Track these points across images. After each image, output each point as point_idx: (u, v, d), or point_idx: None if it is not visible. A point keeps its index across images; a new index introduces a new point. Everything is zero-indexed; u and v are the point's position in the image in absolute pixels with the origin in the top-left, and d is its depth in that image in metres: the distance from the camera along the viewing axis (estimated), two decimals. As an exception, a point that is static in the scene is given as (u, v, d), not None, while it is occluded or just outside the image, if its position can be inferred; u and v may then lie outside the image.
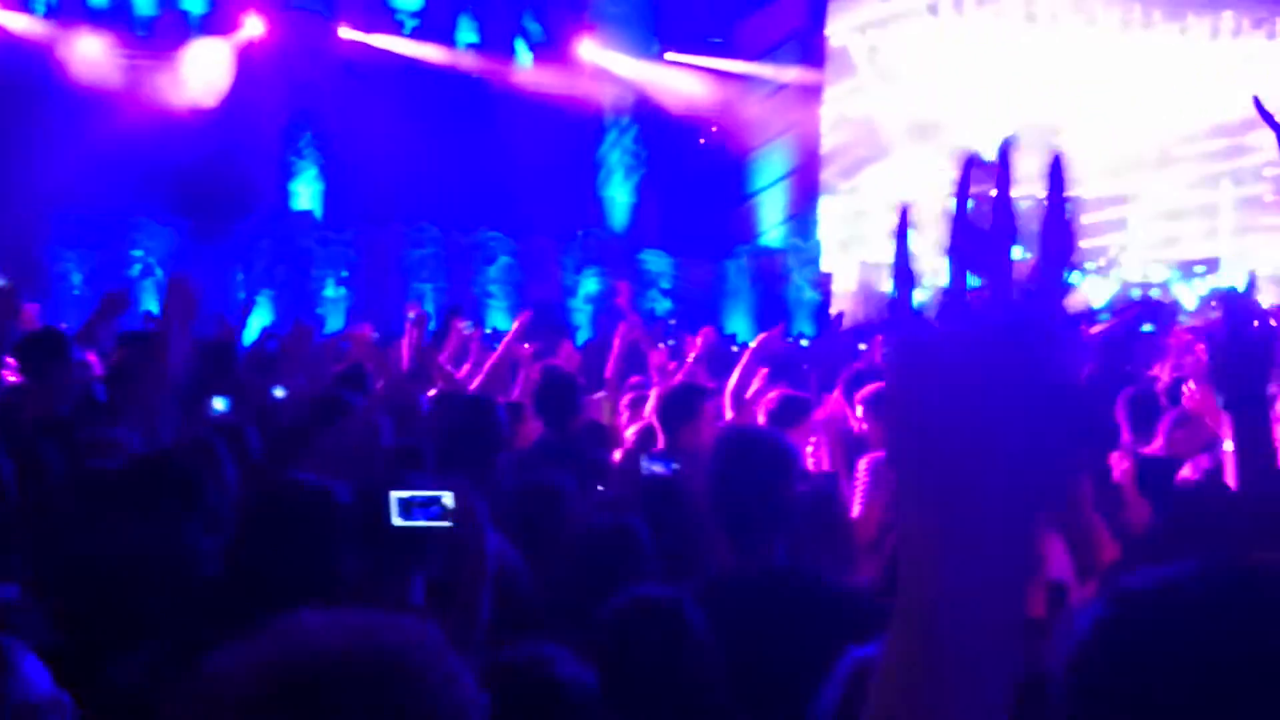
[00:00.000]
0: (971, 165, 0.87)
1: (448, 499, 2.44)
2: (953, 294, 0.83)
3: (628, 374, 6.22)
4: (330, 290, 14.45)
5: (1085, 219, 22.18)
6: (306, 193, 14.72)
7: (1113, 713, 1.05)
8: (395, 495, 2.43)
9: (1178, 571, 1.11)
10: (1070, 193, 0.86)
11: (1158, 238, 21.82)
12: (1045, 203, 0.87)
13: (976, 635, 0.77)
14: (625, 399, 5.70)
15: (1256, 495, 2.73)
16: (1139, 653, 1.04)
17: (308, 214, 14.67)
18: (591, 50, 15.14)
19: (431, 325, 7.15)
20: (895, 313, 0.86)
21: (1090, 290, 18.81)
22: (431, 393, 5.10)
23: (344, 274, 14.59)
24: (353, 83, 13.91)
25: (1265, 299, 18.70)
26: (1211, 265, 20.14)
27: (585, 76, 15.00)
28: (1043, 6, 16.68)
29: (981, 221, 0.86)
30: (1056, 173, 0.89)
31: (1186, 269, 20.25)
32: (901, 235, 0.90)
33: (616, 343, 6.21)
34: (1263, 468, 2.40)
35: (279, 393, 5.02)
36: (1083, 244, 21.63)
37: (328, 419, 3.89)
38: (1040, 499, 0.78)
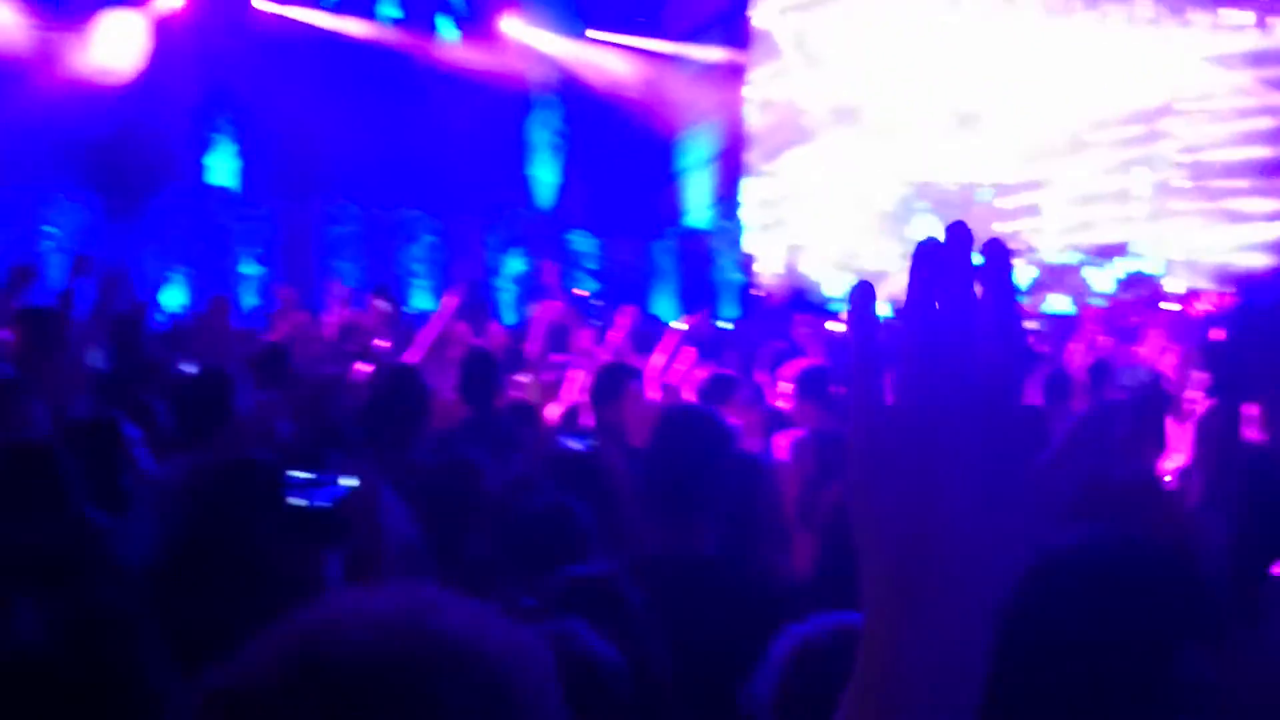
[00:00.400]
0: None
1: (346, 480, 2.40)
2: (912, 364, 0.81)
3: (551, 353, 6.22)
4: (247, 267, 14.18)
5: (1001, 203, 22.64)
6: (223, 168, 14.41)
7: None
8: (292, 474, 2.39)
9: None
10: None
11: (1072, 223, 22.29)
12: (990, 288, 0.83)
13: (934, 712, 0.78)
14: (544, 378, 5.70)
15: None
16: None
17: (224, 190, 14.36)
18: (516, 26, 15.02)
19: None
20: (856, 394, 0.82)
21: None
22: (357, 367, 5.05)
23: (261, 251, 14.32)
24: (271, 56, 13.63)
25: (1178, 284, 19.26)
26: (1122, 250, 20.65)
27: (510, 53, 14.87)
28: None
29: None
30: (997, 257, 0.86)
31: (1100, 254, 20.73)
32: (864, 313, 0.85)
33: (538, 321, 6.21)
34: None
35: (188, 368, 4.92)
36: (998, 228, 22.07)
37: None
38: (1001, 583, 0.79)
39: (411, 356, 5.31)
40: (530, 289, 14.70)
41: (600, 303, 13.95)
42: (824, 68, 19.60)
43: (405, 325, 7.83)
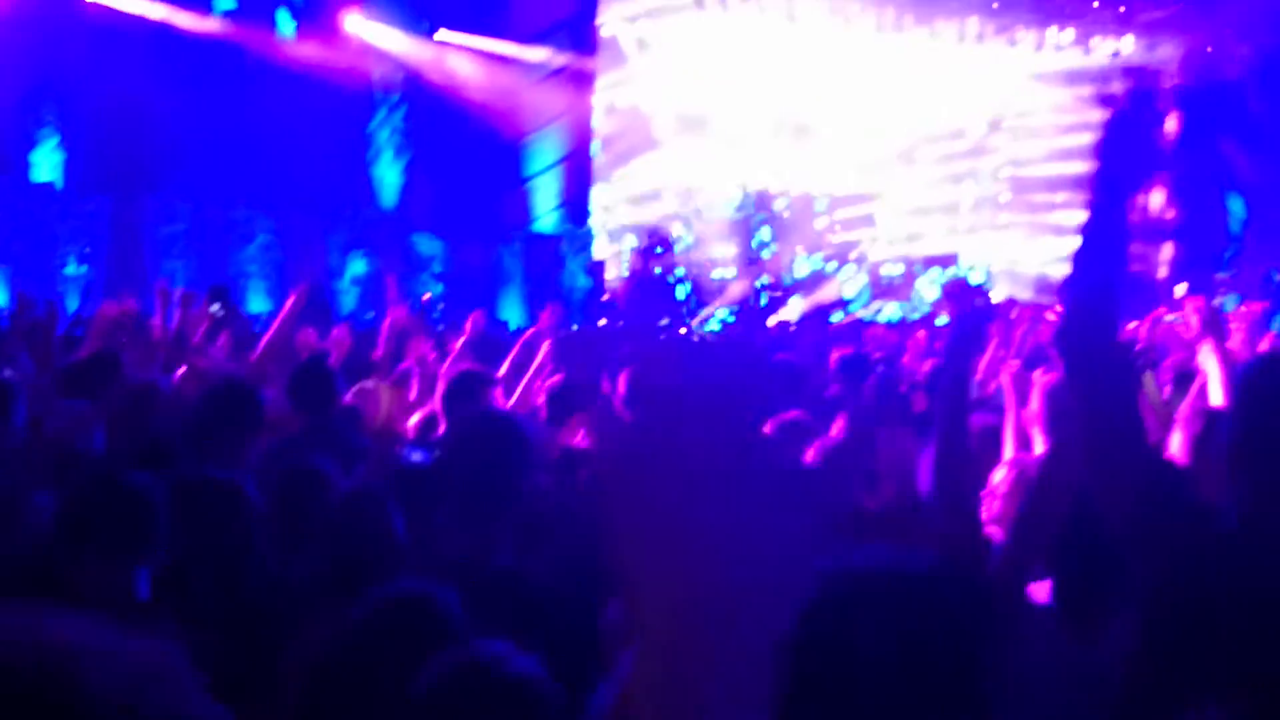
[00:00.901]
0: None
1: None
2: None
3: (396, 361, 6.14)
4: (71, 268, 13.51)
5: (839, 215, 23.30)
6: (47, 163, 13.69)
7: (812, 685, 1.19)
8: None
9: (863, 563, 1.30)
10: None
11: (903, 233, 23.13)
12: None
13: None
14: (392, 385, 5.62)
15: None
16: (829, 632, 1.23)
17: (48, 186, 13.64)
18: (358, 23, 14.73)
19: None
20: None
21: (845, 284, 19.75)
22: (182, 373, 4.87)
23: (86, 250, 13.66)
24: (99, 48, 13.02)
25: (999, 292, 20.16)
26: (951, 260, 21.49)
27: (351, 50, 14.58)
28: (803, 6, 17.36)
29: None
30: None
31: (930, 264, 21.51)
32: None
33: (384, 331, 6.14)
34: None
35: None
36: (834, 239, 22.73)
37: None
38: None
39: (246, 362, 5.16)
40: (371, 292, 14.44)
41: (443, 305, 13.81)
42: (669, 76, 19.85)
43: (240, 329, 7.61)
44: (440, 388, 4.74)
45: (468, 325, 6.73)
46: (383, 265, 14.59)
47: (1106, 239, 2.02)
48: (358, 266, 15.04)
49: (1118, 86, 1.95)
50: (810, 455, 3.53)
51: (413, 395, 5.28)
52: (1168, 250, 19.82)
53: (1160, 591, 1.79)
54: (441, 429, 4.41)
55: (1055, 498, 2.28)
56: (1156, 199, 20.48)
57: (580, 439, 4.62)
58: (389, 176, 15.51)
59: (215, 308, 6.61)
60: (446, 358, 6.06)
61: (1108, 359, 1.96)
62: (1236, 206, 19.65)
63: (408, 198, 15.55)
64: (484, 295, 15.16)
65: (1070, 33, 18.63)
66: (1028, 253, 22.03)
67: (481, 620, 2.14)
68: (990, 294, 19.28)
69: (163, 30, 13.76)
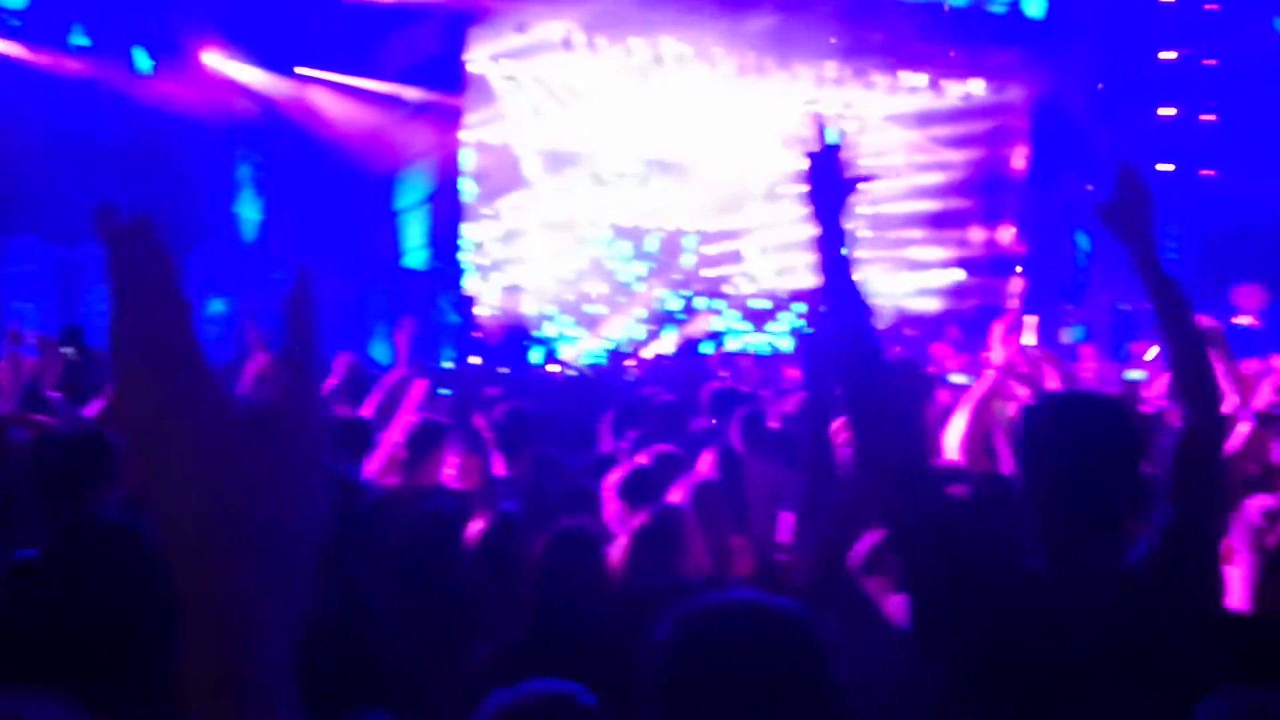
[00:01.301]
0: None
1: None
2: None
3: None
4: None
5: (707, 250, 23.69)
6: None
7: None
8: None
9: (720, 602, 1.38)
10: None
11: (770, 269, 23.65)
12: None
13: None
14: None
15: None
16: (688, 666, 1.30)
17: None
18: (217, 60, 14.44)
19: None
20: None
21: (714, 318, 20.04)
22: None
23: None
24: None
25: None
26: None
27: (210, 87, 14.27)
28: (669, 49, 17.68)
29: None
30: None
31: (796, 298, 22.02)
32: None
33: (248, 371, 5.95)
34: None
35: None
36: (705, 273, 23.12)
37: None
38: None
39: (94, 408, 4.98)
40: (232, 331, 14.09)
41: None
42: (538, 114, 19.96)
43: (93, 372, 7.35)
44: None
45: (338, 366, 6.63)
46: (242, 304, 14.28)
47: (833, 268, 2.15)
48: (217, 305, 14.67)
49: (806, 133, 2.08)
50: (678, 494, 3.57)
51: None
52: (1016, 283, 20.70)
53: (957, 621, 1.86)
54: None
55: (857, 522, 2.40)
56: (1005, 234, 21.41)
57: (442, 477, 4.58)
58: (250, 213, 15.21)
59: (69, 351, 6.38)
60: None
61: (872, 383, 2.05)
62: (1083, 241, 20.65)
63: (270, 234, 15.26)
64: (352, 332, 14.95)
65: (923, 76, 19.37)
66: (887, 286, 22.71)
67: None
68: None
69: (15, 66, 13.28)
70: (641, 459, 4.27)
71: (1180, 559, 1.89)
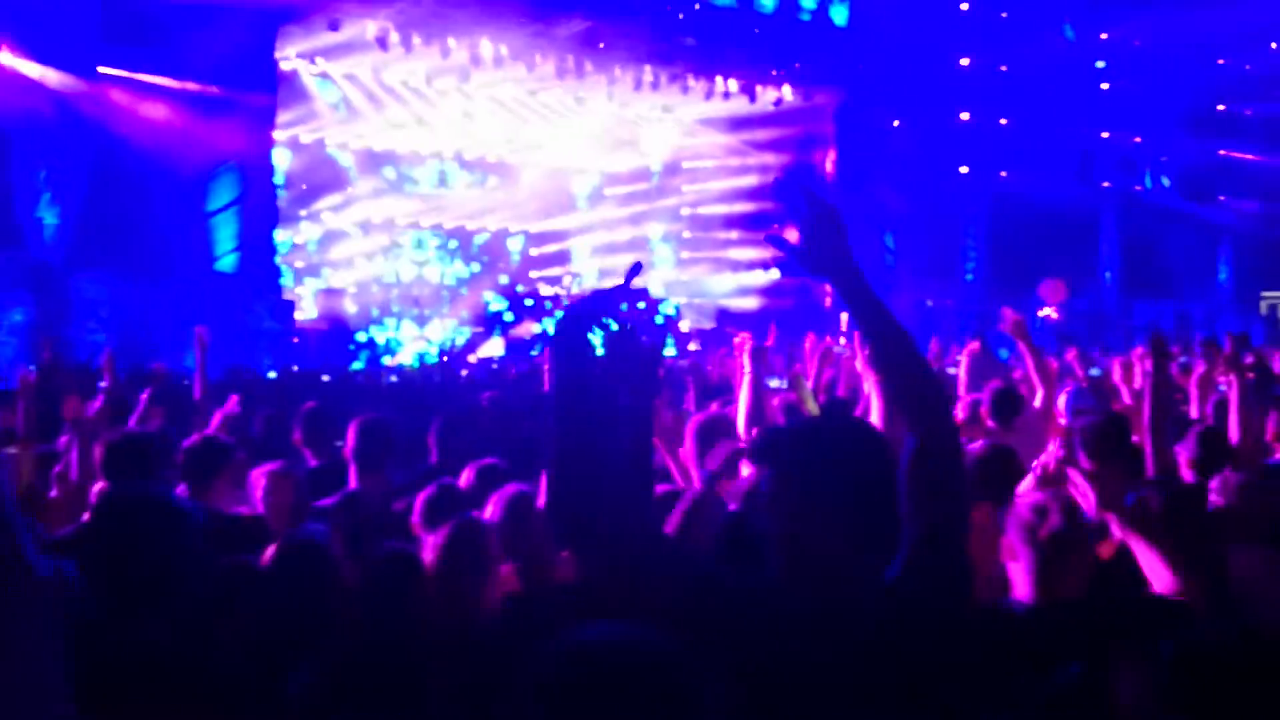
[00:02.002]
0: None
1: None
2: None
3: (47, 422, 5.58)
4: None
5: (534, 251, 23.72)
6: None
7: None
8: None
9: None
10: None
11: (598, 269, 23.86)
12: None
13: None
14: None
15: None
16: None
17: None
18: (8, 59, 13.65)
19: None
20: None
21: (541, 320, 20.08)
22: None
23: None
24: None
25: (686, 323, 21.14)
26: (641, 295, 22.31)
27: (4, 86, 13.47)
28: (486, 50, 17.62)
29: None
30: None
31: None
32: None
33: (20, 388, 5.53)
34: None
35: None
36: (533, 274, 23.15)
37: None
38: None
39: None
40: (30, 342, 13.35)
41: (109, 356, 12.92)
42: (355, 115, 19.58)
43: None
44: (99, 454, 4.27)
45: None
46: (38, 312, 13.57)
47: (872, 314, 2.08)
48: (16, 315, 13.86)
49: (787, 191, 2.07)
50: (491, 509, 3.48)
51: (72, 460, 4.77)
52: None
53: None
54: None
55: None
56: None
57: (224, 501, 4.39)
58: (48, 217, 14.42)
59: None
60: (127, 413, 5.70)
61: (942, 410, 2.05)
62: (889, 241, 21.57)
63: (70, 238, 14.49)
64: (157, 340, 14.37)
65: (734, 82, 19.85)
66: (709, 286, 23.25)
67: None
68: (674, 324, 20.21)
69: None
70: (466, 474, 4.21)
71: (930, 570, 1.93)
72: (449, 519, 3.15)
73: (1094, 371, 9.61)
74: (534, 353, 18.23)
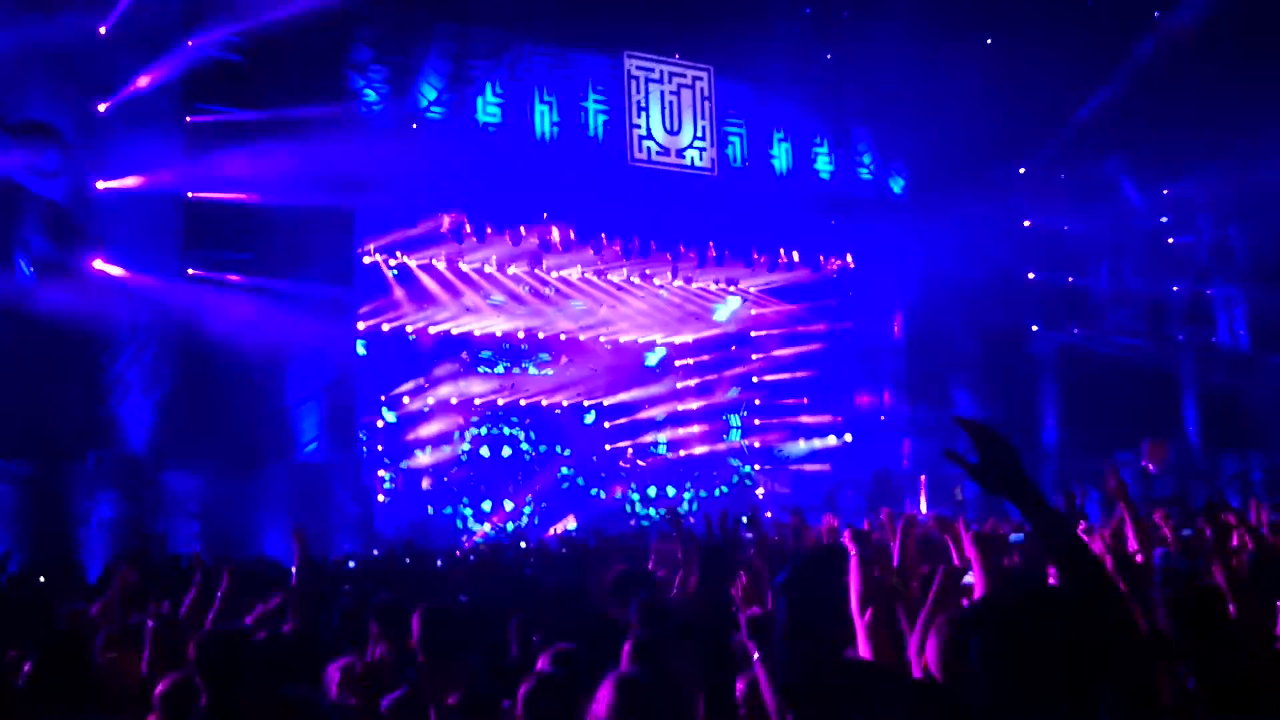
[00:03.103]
0: None
1: None
2: None
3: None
4: None
5: (607, 424, 23.94)
6: None
7: None
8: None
9: None
10: None
11: (667, 439, 24.06)
12: None
13: None
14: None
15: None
16: None
17: None
18: (104, 266, 14.45)
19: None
20: None
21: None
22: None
23: None
24: None
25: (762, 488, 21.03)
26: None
27: (96, 292, 14.21)
28: (556, 234, 18.39)
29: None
30: None
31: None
32: None
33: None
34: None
35: None
36: (608, 447, 23.34)
37: None
38: None
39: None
40: (121, 537, 13.71)
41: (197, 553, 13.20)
42: (431, 304, 20.27)
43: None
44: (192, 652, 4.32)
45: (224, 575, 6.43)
46: (130, 508, 13.97)
47: (1055, 532, 2.27)
48: (106, 511, 14.26)
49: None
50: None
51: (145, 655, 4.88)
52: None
53: None
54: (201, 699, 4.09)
55: None
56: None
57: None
58: (138, 416, 14.96)
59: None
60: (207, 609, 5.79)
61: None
62: (965, 401, 21.40)
63: (159, 435, 14.99)
64: (246, 529, 14.65)
65: (797, 253, 20.30)
66: (783, 451, 23.25)
67: None
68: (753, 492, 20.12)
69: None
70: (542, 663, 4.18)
71: None
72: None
73: (1185, 532, 9.35)
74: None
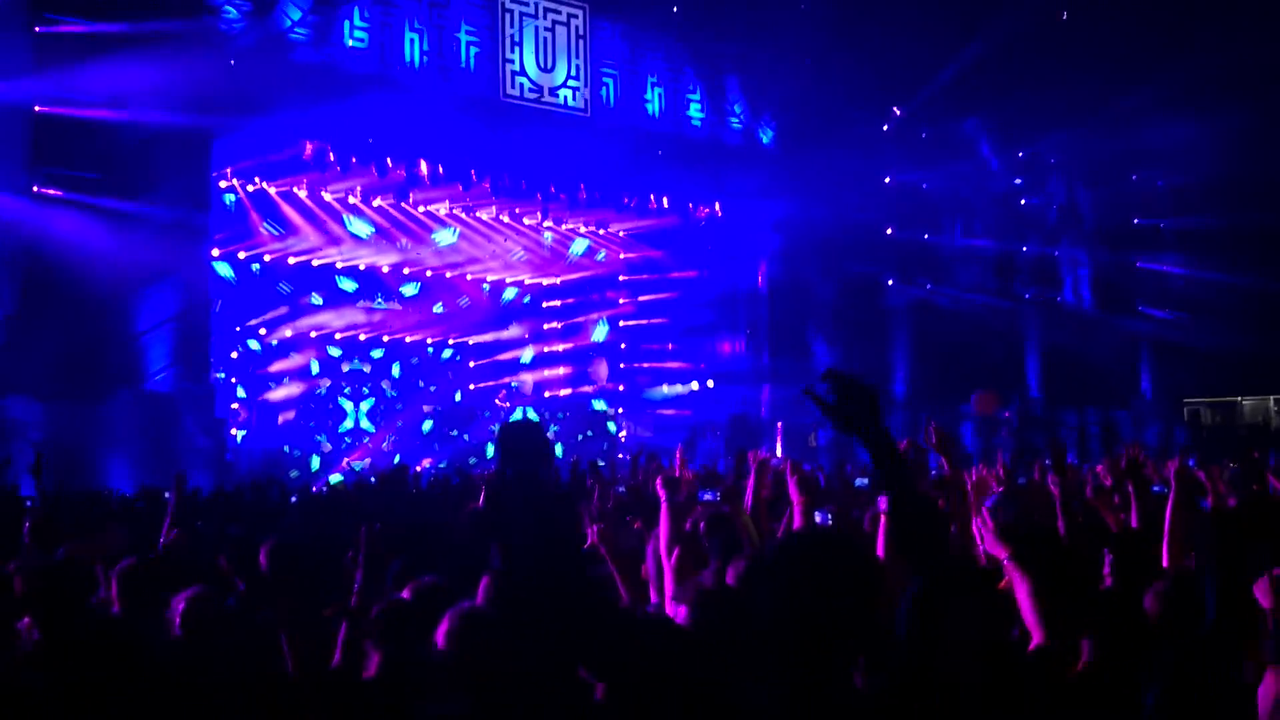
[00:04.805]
0: None
1: None
2: None
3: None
4: None
5: (472, 364, 23.79)
6: None
7: None
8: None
9: None
10: None
11: (531, 381, 24.03)
12: None
13: None
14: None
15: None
16: None
17: None
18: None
19: None
20: None
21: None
22: None
23: None
24: None
25: (624, 434, 21.22)
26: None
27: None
28: (423, 168, 18.10)
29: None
30: None
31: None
32: None
33: None
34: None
35: None
36: (472, 387, 23.22)
37: None
38: None
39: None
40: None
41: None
42: (291, 234, 19.75)
43: None
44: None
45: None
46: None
47: (893, 472, 2.41)
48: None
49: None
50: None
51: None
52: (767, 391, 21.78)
53: None
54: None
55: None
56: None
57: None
58: (-25, 338, 14.30)
59: None
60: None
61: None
62: (822, 351, 21.98)
63: (-1, 360, 14.35)
64: (91, 459, 14.20)
65: (666, 199, 20.41)
66: (646, 395, 23.51)
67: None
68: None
69: None
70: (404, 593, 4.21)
71: (910, 691, 2.16)
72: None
73: (1021, 480, 9.82)
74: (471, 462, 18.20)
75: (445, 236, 21.08)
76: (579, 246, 22.75)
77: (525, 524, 2.19)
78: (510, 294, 24.43)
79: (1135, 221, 23.91)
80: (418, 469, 18.32)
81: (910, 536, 2.33)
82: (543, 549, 2.20)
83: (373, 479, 14.47)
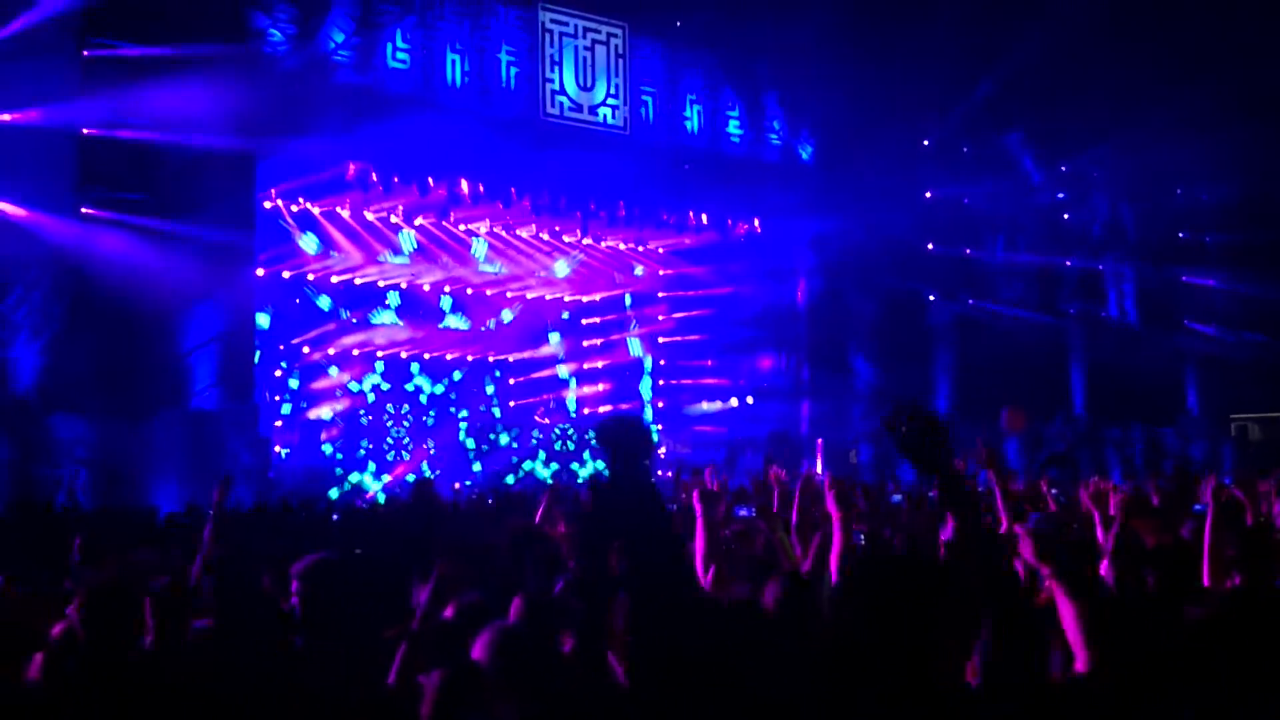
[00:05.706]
0: None
1: None
2: None
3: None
4: None
5: (512, 381, 23.87)
6: None
7: None
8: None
9: None
10: None
11: (573, 399, 24.03)
12: None
13: None
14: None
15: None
16: None
17: None
18: (-9, 202, 13.92)
19: None
20: None
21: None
22: None
23: None
24: None
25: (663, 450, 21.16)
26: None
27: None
28: (465, 186, 18.23)
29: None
30: None
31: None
32: None
33: None
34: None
35: None
36: (512, 404, 23.30)
37: None
38: None
39: None
40: (6, 481, 13.33)
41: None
42: (332, 250, 19.93)
43: None
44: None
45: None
46: (16, 452, 13.58)
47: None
48: (-10, 457, 13.83)
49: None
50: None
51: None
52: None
53: None
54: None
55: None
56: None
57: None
58: (25, 358, 14.51)
59: None
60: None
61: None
62: (863, 368, 21.85)
63: (47, 379, 14.55)
64: (137, 477, 14.37)
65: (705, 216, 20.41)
66: (687, 411, 23.46)
67: None
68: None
69: None
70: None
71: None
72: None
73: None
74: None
75: (480, 249, 21.11)
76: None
77: (639, 522, 2.19)
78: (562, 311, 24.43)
79: (1180, 236, 23.61)
80: (455, 486, 18.39)
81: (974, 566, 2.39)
82: (661, 548, 2.21)
83: (403, 495, 14.53)
